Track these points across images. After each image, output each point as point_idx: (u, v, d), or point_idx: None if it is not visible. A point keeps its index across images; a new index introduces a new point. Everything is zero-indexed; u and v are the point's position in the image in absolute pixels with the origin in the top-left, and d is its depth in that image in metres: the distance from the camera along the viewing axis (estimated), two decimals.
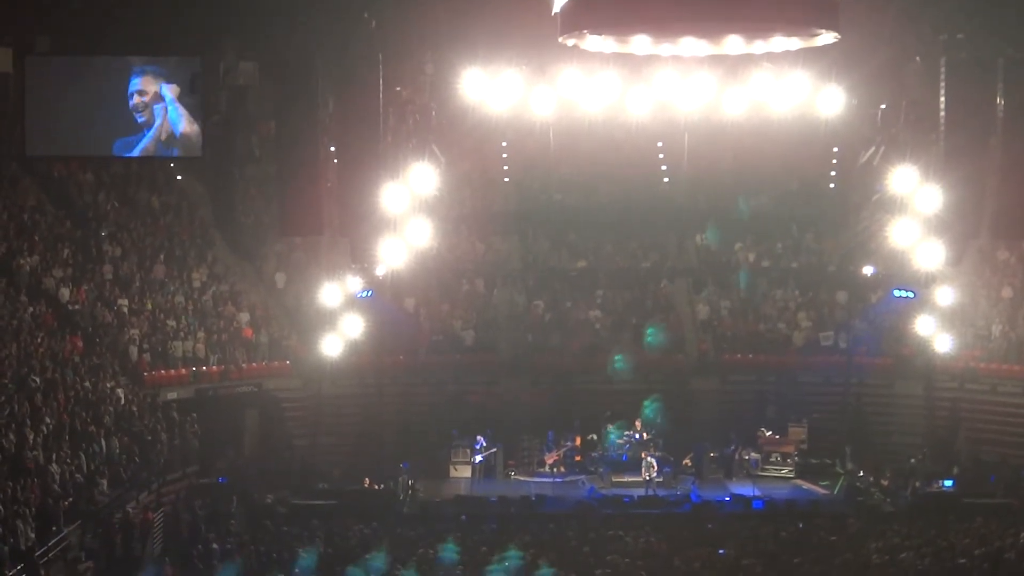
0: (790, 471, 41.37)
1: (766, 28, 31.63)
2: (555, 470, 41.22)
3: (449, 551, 33.17)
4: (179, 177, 47.06)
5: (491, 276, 48.05)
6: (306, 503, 36.47)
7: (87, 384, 36.78)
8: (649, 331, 45.87)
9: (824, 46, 32.63)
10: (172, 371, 41.08)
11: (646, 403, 42.50)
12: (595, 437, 41.80)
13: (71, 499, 31.84)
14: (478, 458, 41.11)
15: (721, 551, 30.16)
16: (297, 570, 29.64)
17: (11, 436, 32.05)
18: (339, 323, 40.90)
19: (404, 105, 40.05)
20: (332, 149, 38.53)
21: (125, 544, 32.08)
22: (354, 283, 41.23)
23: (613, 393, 43.85)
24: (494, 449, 41.38)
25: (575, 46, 32.96)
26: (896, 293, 43.20)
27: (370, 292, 41.90)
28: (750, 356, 45.68)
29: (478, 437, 41.40)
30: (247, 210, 47.47)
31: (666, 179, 48.50)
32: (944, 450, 41.54)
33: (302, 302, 44.50)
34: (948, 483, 37.95)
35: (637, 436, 41.10)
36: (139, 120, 40.19)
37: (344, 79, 36.54)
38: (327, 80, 36.54)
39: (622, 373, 44.09)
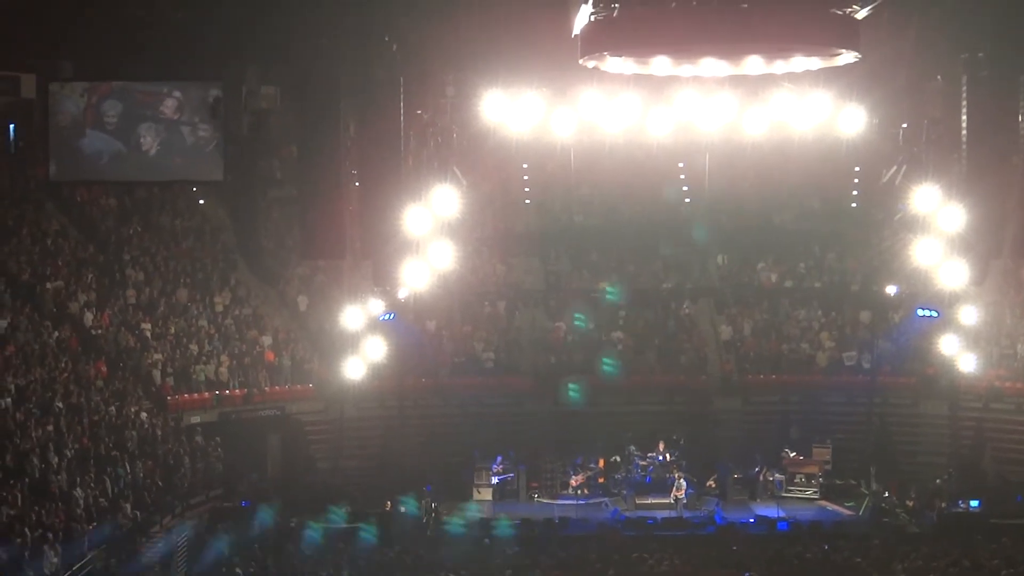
0: (815, 492, 41.21)
1: (786, 48, 31.65)
2: (579, 492, 41.15)
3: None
4: (201, 201, 47.19)
5: (513, 298, 48.07)
6: (327, 526, 36.44)
7: (111, 409, 36.87)
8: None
9: (845, 65, 32.64)
10: (195, 395, 41.13)
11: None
12: (618, 459, 41.72)
13: (95, 523, 31.94)
14: (495, 479, 41.11)
15: (746, 573, 30.09)
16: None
17: (35, 461, 32.17)
18: (361, 346, 40.90)
19: (425, 128, 40.10)
20: (354, 172, 38.61)
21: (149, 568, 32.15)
22: (376, 306, 41.22)
23: (635, 414, 43.77)
24: (510, 475, 41.35)
25: (595, 68, 33.02)
26: (920, 312, 43.06)
27: (392, 315, 41.91)
28: (773, 376, 45.57)
29: (497, 457, 41.42)
30: (269, 234, 47.56)
31: (687, 199, 48.46)
32: (970, 470, 41.35)
33: (324, 325, 44.51)
34: (974, 503, 37.74)
35: (660, 457, 41.03)
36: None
37: (366, 102, 36.64)
38: (349, 103, 36.63)
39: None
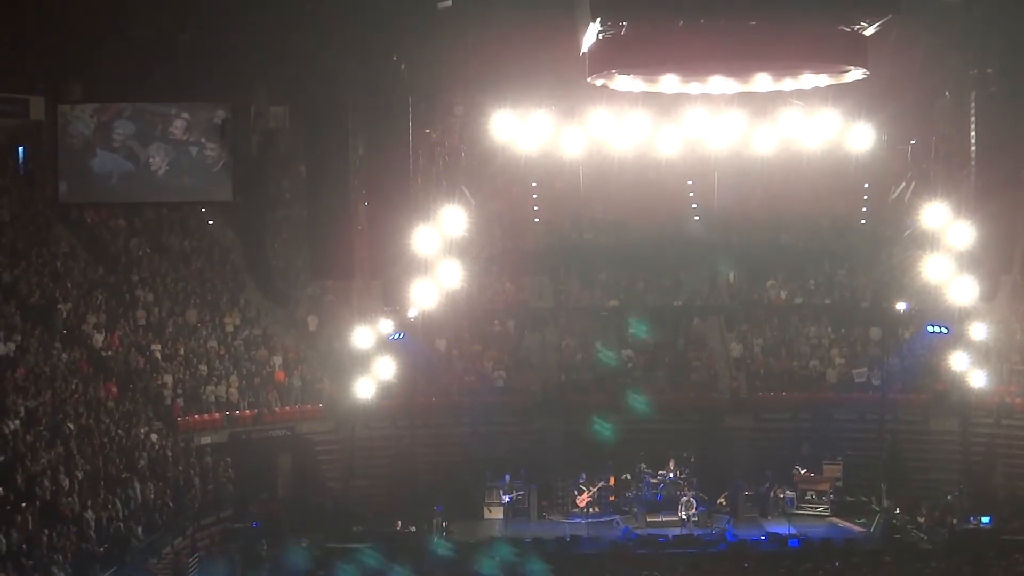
0: (826, 509, 41.10)
1: (795, 66, 31.68)
2: (589, 511, 41.07)
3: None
4: (210, 222, 47.24)
5: (522, 316, 48.04)
6: (340, 546, 36.43)
7: (121, 430, 36.87)
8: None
9: (854, 83, 32.65)
10: (205, 416, 41.12)
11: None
12: (628, 477, 41.67)
13: (107, 545, 31.94)
14: (506, 497, 41.07)
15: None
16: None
17: (46, 483, 32.17)
18: (371, 365, 40.91)
19: (434, 147, 40.16)
20: (363, 192, 38.66)
21: None
22: (386, 325, 41.23)
23: (646, 432, 43.68)
24: (521, 492, 41.29)
25: (604, 86, 33.06)
26: (930, 329, 43.04)
27: (402, 334, 41.92)
28: (784, 394, 45.51)
29: (505, 476, 41.38)
30: (278, 254, 47.60)
31: (696, 217, 48.48)
32: (981, 487, 41.26)
33: (334, 345, 44.50)
34: (986, 520, 37.68)
35: (671, 475, 40.97)
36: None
37: (374, 122, 36.67)
38: (357, 123, 36.67)
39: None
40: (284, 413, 42.88)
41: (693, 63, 31.25)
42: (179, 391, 40.95)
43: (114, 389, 38.83)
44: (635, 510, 40.64)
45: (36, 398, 35.50)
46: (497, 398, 45.04)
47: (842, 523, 40.49)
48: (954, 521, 37.95)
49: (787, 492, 41.23)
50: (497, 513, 40.97)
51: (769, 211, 48.33)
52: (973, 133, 36.79)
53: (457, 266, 40.37)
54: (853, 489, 42.18)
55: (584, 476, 41.58)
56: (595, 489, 41.29)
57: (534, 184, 46.84)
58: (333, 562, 34.08)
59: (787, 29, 29.88)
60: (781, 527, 38.69)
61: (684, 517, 39.30)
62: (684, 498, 39.67)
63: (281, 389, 43.20)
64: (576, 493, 41.41)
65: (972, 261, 38.03)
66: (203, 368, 42.08)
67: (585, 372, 46.18)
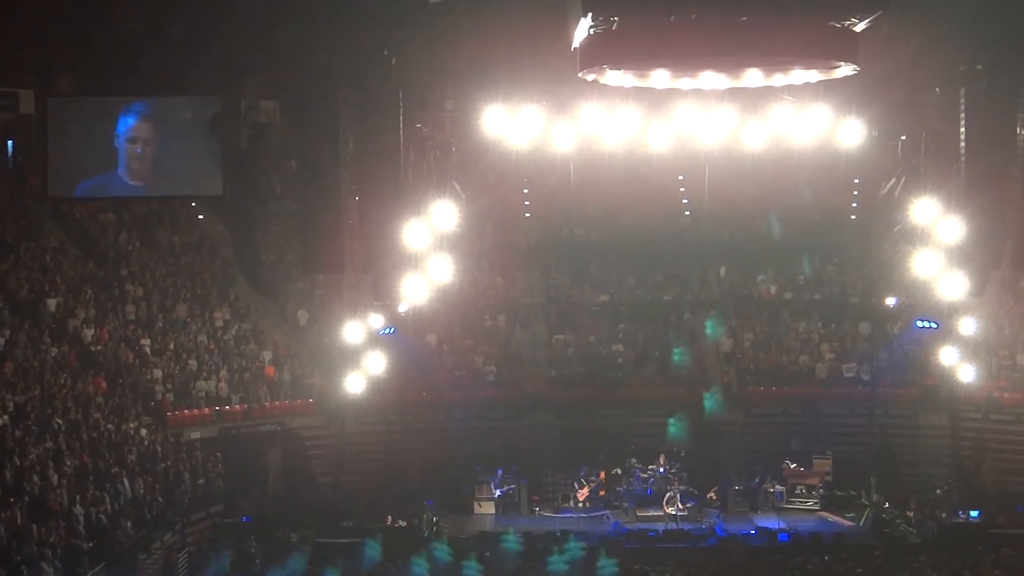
0: (815, 503, 41.25)
1: (785, 62, 31.69)
2: (584, 505, 41.12)
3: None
4: (200, 216, 47.19)
5: (513, 311, 48.05)
6: (331, 541, 36.41)
7: (110, 425, 36.81)
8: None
9: (844, 78, 32.67)
10: (195, 410, 41.09)
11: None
12: (619, 471, 41.71)
13: (96, 540, 31.89)
14: (497, 492, 41.08)
15: None
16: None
17: (35, 478, 32.11)
18: (362, 360, 40.89)
19: (425, 141, 40.09)
20: (353, 186, 38.64)
21: None
22: (376, 320, 41.22)
23: (637, 427, 43.75)
24: (512, 487, 41.30)
25: (595, 81, 33.04)
26: (919, 324, 43.11)
27: (392, 329, 41.90)
28: (774, 389, 45.55)
29: (498, 470, 41.36)
30: (269, 248, 47.58)
31: (687, 212, 48.49)
32: (970, 481, 41.37)
33: (325, 340, 44.50)
34: (974, 514, 37.78)
35: (661, 470, 41.01)
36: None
37: (365, 116, 36.58)
38: (348, 117, 36.58)
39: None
40: (274, 408, 42.86)
41: (684, 58, 31.24)
42: (169, 386, 40.92)
43: (103, 384, 38.78)
44: (625, 505, 40.69)
45: (25, 393, 35.44)
46: (488, 393, 45.10)
47: (832, 517, 40.61)
48: (943, 515, 38.03)
49: (777, 486, 41.36)
50: (488, 508, 40.97)
51: (759, 206, 48.37)
52: (963, 129, 36.80)
53: (448, 261, 40.32)
54: (843, 483, 42.28)
55: (585, 469, 41.64)
56: (595, 482, 41.35)
57: (525, 179, 46.79)
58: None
59: (778, 25, 29.86)
60: (771, 521, 38.76)
61: (672, 512, 39.36)
62: (669, 494, 39.75)
63: (271, 384, 43.19)
64: (577, 486, 41.47)
65: (961, 256, 38.06)
66: (193, 363, 42.05)
67: (576, 367, 46.22)
